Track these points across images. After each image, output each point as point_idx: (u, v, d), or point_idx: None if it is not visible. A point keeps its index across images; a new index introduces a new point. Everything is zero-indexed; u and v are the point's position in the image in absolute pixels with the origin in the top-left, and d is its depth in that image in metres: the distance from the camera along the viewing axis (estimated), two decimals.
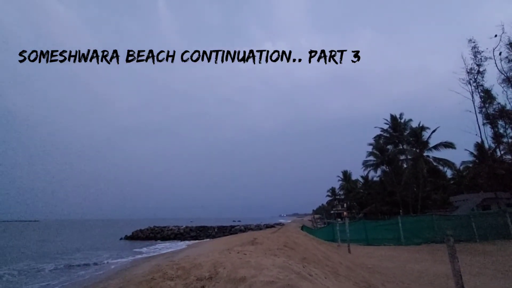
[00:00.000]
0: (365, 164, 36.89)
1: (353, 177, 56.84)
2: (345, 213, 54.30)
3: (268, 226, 52.75)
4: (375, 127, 35.73)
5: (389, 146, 35.06)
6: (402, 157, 33.01)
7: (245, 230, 44.86)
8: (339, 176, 59.59)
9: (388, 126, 34.38)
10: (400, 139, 33.05)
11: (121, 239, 39.00)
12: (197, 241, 35.51)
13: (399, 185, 32.13)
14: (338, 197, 68.41)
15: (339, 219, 33.84)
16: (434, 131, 29.77)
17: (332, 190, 71.26)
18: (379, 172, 36.82)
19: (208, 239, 35.74)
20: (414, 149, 31.07)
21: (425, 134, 30.52)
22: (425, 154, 30.22)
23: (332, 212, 69.31)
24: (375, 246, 16.17)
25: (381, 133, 35.17)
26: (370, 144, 37.04)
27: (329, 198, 75.92)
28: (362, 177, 48.23)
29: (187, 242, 34.55)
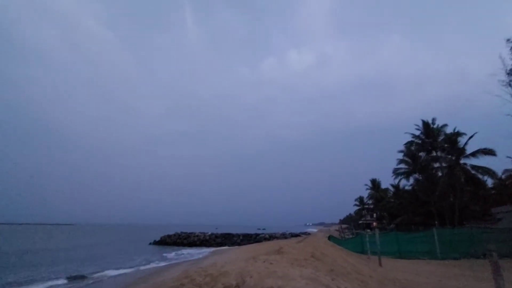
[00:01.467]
0: (396, 172, 35.21)
1: (383, 186, 54.48)
2: (374, 223, 51.97)
3: (293, 235, 51.85)
4: (406, 133, 34.12)
5: (421, 153, 33.26)
6: (436, 165, 31.10)
7: (270, 239, 44.44)
8: (367, 185, 57.43)
9: (420, 132, 32.71)
10: (433, 146, 31.24)
11: (150, 244, 40.38)
12: (222, 248, 35.78)
13: (433, 195, 30.19)
14: (367, 206, 65.72)
15: (368, 230, 32.46)
16: (471, 137, 27.77)
17: (360, 199, 68.68)
18: (411, 180, 34.94)
19: (232, 247, 35.85)
20: (450, 156, 29.17)
21: (461, 140, 28.53)
22: (462, 161, 28.23)
23: (360, 222, 66.60)
24: (408, 260, 15.28)
25: (413, 139, 33.50)
26: (401, 151, 35.38)
27: (357, 208, 73.24)
28: (392, 185, 46.06)
29: (212, 248, 34.95)
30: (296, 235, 51.91)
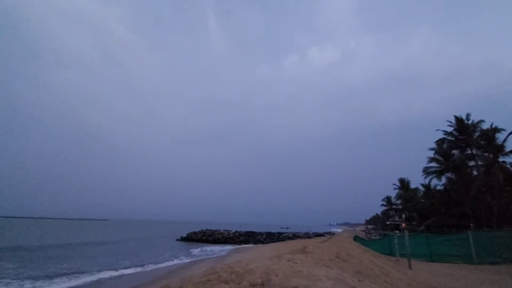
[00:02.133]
0: (426, 171, 33.52)
1: (412, 185, 52.04)
2: (403, 224, 49.91)
3: (317, 235, 51.25)
4: (437, 130, 32.33)
5: (454, 151, 31.37)
6: (472, 163, 29.21)
7: (293, 238, 44.26)
8: (395, 184, 55.14)
9: (452, 128, 30.82)
10: (468, 143, 29.32)
11: (177, 240, 41.83)
12: (245, 245, 36.20)
13: (468, 195, 28.37)
14: (395, 207, 63.15)
15: (396, 231, 31.26)
16: (511, 133, 25.74)
17: (388, 199, 66.13)
18: (443, 180, 33.12)
19: (256, 245, 36.14)
20: (486, 154, 27.24)
21: (500, 137, 26.54)
22: (500, 159, 26.25)
23: (388, 223, 64.20)
24: (440, 263, 14.55)
25: (445, 136, 31.67)
26: (432, 149, 33.60)
27: (384, 208, 70.58)
28: (422, 185, 43.85)
29: (235, 246, 35.50)
30: (320, 235, 51.23)
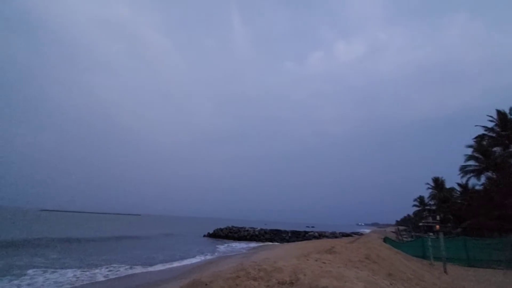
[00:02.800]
0: (464, 170, 31.39)
1: (447, 185, 48.96)
2: (437, 226, 47.18)
3: (344, 235, 50.10)
4: (476, 125, 30.12)
5: (495, 148, 29.05)
6: None
7: (320, 237, 43.68)
8: (428, 184, 52.16)
9: (494, 124, 28.54)
10: (511, 140, 27.06)
11: (204, 236, 43.07)
12: (269, 243, 36.36)
13: (511, 196, 26.20)
14: (428, 207, 59.77)
15: (430, 233, 29.67)
16: None
17: (420, 199, 62.80)
18: (482, 179, 30.83)
19: (281, 243, 36.15)
20: None
21: None
22: None
23: (420, 224, 60.98)
24: (479, 269, 13.62)
25: (485, 132, 29.42)
26: (470, 146, 31.34)
27: (416, 208, 67.07)
28: (459, 185, 41.08)
29: (261, 243, 35.78)
30: (347, 235, 50.01)
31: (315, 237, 43.20)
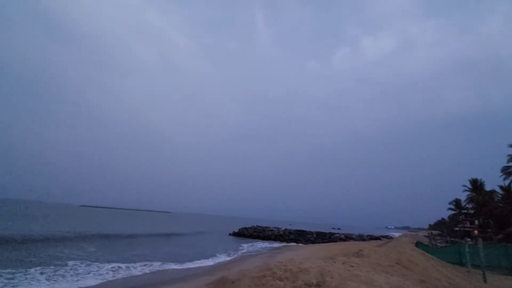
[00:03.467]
0: (506, 171, 29.10)
1: (487, 187, 45.44)
2: (476, 231, 44.08)
3: (372, 238, 48.39)
4: None
5: None
6: None
7: (346, 239, 42.56)
8: (465, 186, 48.79)
9: None
10: None
11: (229, 234, 43.78)
12: (295, 244, 36.05)
13: None
14: (465, 211, 55.94)
15: (468, 239, 27.70)
16: None
17: (456, 202, 58.86)
18: None
19: (306, 244, 35.70)
20: None
21: None
22: None
23: (457, 229, 57.44)
24: None
25: None
26: None
27: (451, 212, 63.04)
28: (501, 187, 37.98)
29: (285, 244, 35.61)
30: (376, 238, 48.23)
31: (341, 239, 42.16)
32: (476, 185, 47.09)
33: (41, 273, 10.66)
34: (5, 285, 8.89)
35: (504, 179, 30.01)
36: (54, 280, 9.96)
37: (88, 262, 13.35)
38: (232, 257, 19.74)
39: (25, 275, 10.17)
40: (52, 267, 11.73)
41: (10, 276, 9.82)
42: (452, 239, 42.06)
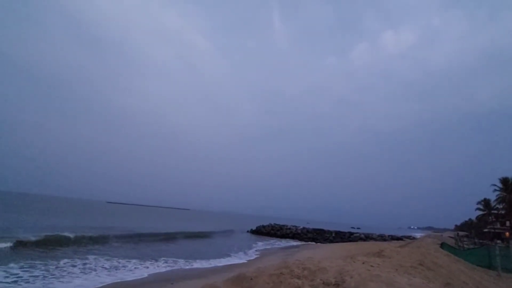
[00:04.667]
0: None
1: None
2: (507, 233, 41.74)
3: (394, 238, 46.94)
4: None
5: None
6: None
7: (366, 239, 41.58)
8: (495, 185, 46.32)
9: None
10: None
11: (247, 232, 44.14)
12: (313, 243, 35.72)
13: None
14: (495, 212, 53.07)
15: (498, 241, 26.27)
16: None
17: (485, 202, 56.03)
18: None
19: (323, 243, 35.28)
20: None
21: None
22: None
23: (486, 230, 54.70)
24: None
25: None
26: None
27: (480, 213, 60.15)
28: None
29: (303, 242, 35.37)
30: (398, 239, 46.75)
31: (361, 239, 41.24)
32: (507, 185, 44.62)
33: (73, 266, 11.27)
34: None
35: None
36: (86, 273, 10.50)
37: (117, 259, 13.73)
38: (249, 255, 19.88)
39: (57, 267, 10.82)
40: (75, 259, 12.42)
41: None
42: (480, 240, 40.01)
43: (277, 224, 49.58)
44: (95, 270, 11.09)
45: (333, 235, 43.44)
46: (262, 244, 28.85)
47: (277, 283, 5.42)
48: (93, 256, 13.51)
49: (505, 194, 44.50)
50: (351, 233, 47.39)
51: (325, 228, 55.45)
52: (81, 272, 10.51)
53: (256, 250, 23.08)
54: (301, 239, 39.01)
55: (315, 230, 47.09)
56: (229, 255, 18.87)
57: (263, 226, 46.58)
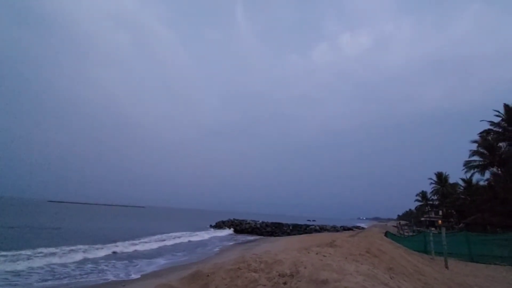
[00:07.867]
0: (468, 165, 31.24)
1: (451, 180, 48.83)
2: (440, 221, 47.32)
3: (345, 229, 50.35)
4: (482, 120, 29.85)
5: (501, 144, 28.79)
6: None
7: (320, 231, 43.93)
8: (431, 179, 52.05)
9: (500, 119, 28.18)
10: None
11: (210, 226, 43.60)
12: (272, 237, 36.61)
13: None
14: (431, 202, 59.82)
15: (432, 228, 29.67)
16: None
17: (423, 194, 62.78)
18: (487, 175, 30.71)
19: (281, 236, 36.35)
20: None
21: None
22: None
23: (423, 219, 61.32)
24: (481, 264, 13.60)
25: (491, 127, 29.11)
26: (474, 142, 31.11)
27: (418, 203, 67.25)
28: (463, 180, 40.94)
29: (262, 236, 36.01)
30: (348, 229, 50.24)
31: (316, 231, 43.45)
32: (441, 178, 50.32)
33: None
34: None
35: (466, 172, 32.29)
36: None
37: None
38: (209, 251, 19.62)
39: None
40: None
41: None
42: (418, 228, 44.88)
43: (236, 219, 49.76)
44: None
45: (291, 228, 45.01)
46: (221, 238, 28.72)
47: (234, 278, 5.35)
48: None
49: (439, 186, 50.26)
50: (307, 226, 49.61)
51: (283, 221, 57.22)
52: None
53: (215, 246, 22.87)
54: (260, 234, 39.67)
55: (273, 224, 48.29)
56: (186, 251, 18.40)
57: (223, 222, 46.42)
